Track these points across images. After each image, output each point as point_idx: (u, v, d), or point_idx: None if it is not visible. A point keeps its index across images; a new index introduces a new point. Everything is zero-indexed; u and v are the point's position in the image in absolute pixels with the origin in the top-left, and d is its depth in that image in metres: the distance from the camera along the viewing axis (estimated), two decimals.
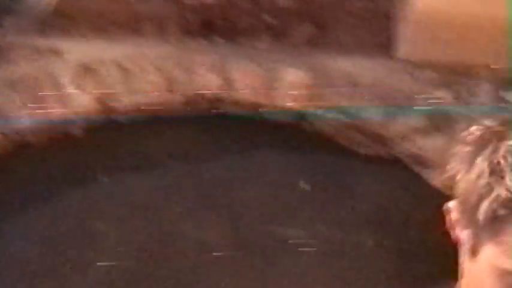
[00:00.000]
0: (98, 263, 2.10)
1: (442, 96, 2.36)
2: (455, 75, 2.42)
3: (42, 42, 2.41)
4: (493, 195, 0.96)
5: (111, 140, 2.39)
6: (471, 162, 0.98)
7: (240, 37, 2.50)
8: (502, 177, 0.95)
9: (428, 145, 2.33)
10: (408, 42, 2.31)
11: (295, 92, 2.34)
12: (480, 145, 0.98)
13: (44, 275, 2.13)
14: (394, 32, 2.39)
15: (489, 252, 1.01)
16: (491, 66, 2.44)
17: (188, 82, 2.43)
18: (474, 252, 1.03)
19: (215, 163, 2.31)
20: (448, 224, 1.05)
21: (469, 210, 0.99)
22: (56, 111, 2.36)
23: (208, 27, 2.51)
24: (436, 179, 2.29)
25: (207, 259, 2.06)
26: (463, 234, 1.02)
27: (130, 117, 2.41)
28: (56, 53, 2.42)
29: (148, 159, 2.39)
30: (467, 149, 0.98)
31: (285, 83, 2.35)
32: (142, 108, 2.41)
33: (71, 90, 2.37)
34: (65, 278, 2.12)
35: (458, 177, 0.99)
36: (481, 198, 0.97)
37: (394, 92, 2.36)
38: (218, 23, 2.51)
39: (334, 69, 2.37)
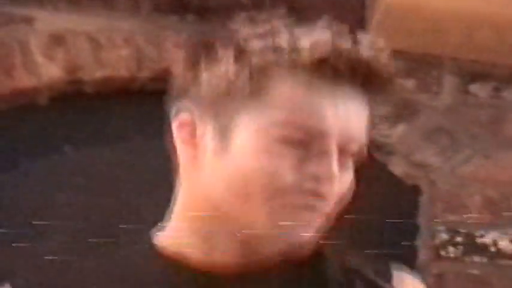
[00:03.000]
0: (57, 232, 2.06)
1: (408, 85, 2.31)
2: (422, 65, 2.37)
3: (15, 10, 2.28)
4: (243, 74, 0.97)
5: (78, 111, 2.31)
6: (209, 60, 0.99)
7: (212, 16, 2.40)
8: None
9: (392, 133, 2.27)
10: (378, 31, 2.22)
11: None
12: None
13: (3, 243, 2.06)
14: (367, 20, 2.33)
15: (252, 126, 0.97)
16: (458, 59, 2.41)
17: (157, 58, 2.35)
18: (226, 144, 0.99)
19: None
20: (181, 137, 1.01)
21: (217, 101, 0.98)
22: (24, 79, 2.26)
23: (181, 4, 2.42)
24: (398, 166, 2.26)
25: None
26: (205, 136, 0.99)
27: (97, 89, 2.31)
28: (28, 21, 2.30)
29: (113, 132, 2.31)
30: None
31: None
32: (110, 81, 2.32)
33: (40, 59, 2.28)
34: (24, 246, 2.05)
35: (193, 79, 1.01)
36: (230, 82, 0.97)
37: None
38: (191, 0, 2.43)
39: None
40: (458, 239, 2.22)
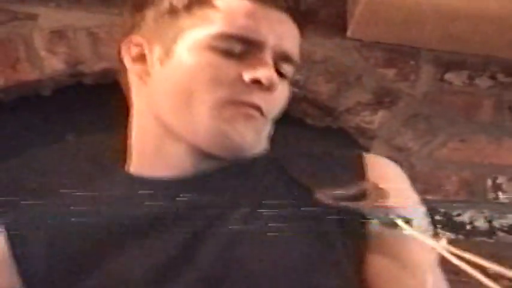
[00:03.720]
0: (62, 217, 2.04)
1: (388, 75, 2.32)
2: (401, 56, 2.38)
3: (20, 8, 2.30)
4: None
5: (78, 101, 2.31)
6: None
7: None
8: None
9: (373, 119, 2.27)
10: (358, 22, 2.24)
11: None
12: None
13: (8, 228, 2.05)
14: (348, 13, 2.33)
15: (193, 40, 1.02)
16: (434, 49, 2.42)
17: None
18: (170, 58, 1.04)
19: None
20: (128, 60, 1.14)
21: (161, 24, 1.06)
22: (27, 72, 2.28)
23: None
24: (380, 150, 2.26)
25: None
26: (152, 54, 1.07)
27: (97, 81, 2.32)
28: (32, 18, 2.32)
29: (111, 120, 2.26)
30: None
31: None
32: (109, 73, 2.31)
33: (43, 53, 2.29)
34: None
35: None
36: None
37: (344, 69, 2.29)
38: None
39: None
40: (437, 217, 2.23)
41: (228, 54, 1.01)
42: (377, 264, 1.01)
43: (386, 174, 1.09)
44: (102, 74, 2.31)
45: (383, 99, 2.28)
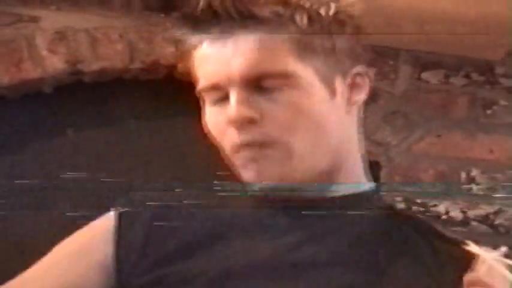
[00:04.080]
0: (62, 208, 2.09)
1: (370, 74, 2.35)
2: (381, 56, 2.41)
3: (23, 10, 2.33)
4: None
5: (78, 98, 2.35)
6: None
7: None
8: None
9: None
10: None
11: None
12: None
13: (11, 218, 2.11)
14: None
15: None
16: (411, 50, 2.45)
17: (148, 51, 2.38)
18: None
19: (166, 122, 2.30)
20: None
21: None
22: (30, 70, 2.30)
23: (168, 3, 2.41)
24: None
25: None
26: None
27: (95, 79, 2.35)
28: (34, 20, 2.34)
29: (109, 116, 2.36)
30: None
31: None
32: (107, 71, 2.36)
33: (44, 53, 2.31)
34: (33, 222, 2.12)
35: None
36: None
37: None
38: (176, 1, 2.44)
39: None
40: (414, 208, 2.27)
41: (217, 103, 0.99)
42: None
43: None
44: (100, 72, 2.34)
45: None
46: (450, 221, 2.30)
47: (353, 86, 1.08)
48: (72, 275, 1.01)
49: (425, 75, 2.48)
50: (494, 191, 2.34)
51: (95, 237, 1.03)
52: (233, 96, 0.95)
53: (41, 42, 2.31)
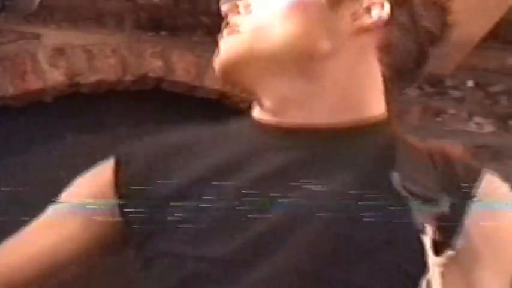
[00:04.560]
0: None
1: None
2: None
3: (26, 28, 2.40)
4: None
5: (76, 108, 2.39)
6: None
7: (180, 31, 2.52)
8: None
9: None
10: None
11: None
12: None
13: (11, 221, 2.01)
14: None
15: None
16: None
17: (138, 65, 2.45)
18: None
19: (155, 129, 2.27)
20: None
21: None
22: (33, 82, 2.35)
23: (156, 23, 2.51)
24: None
25: None
26: None
27: (91, 90, 2.42)
28: (36, 37, 2.42)
29: (103, 123, 2.39)
30: None
31: (213, 69, 2.45)
32: (102, 83, 2.43)
33: (46, 66, 2.37)
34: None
35: None
36: None
37: None
38: (164, 19, 2.52)
39: None
40: None
41: None
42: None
43: (495, 193, 0.89)
44: (96, 84, 2.42)
45: None
46: None
47: (367, 11, 0.95)
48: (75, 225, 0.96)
49: None
50: None
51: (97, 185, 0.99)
52: None
53: (42, 57, 2.38)
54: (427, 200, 0.83)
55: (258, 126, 0.94)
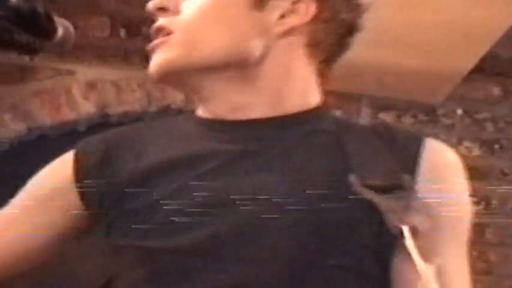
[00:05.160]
0: None
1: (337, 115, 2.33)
2: (346, 100, 2.57)
3: (61, 65, 2.49)
4: None
5: None
6: None
7: None
8: None
9: None
10: None
11: None
12: None
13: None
14: None
15: None
16: (371, 95, 2.63)
17: (161, 97, 2.53)
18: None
19: None
20: None
21: None
22: (67, 113, 2.45)
23: None
24: None
25: None
26: None
27: (119, 120, 2.51)
28: (71, 73, 2.51)
29: None
30: None
31: None
32: (129, 114, 2.53)
33: (79, 99, 2.48)
34: None
35: None
36: None
37: None
38: None
39: None
40: None
41: None
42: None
43: (440, 160, 0.90)
44: (123, 114, 2.51)
45: None
46: None
47: (293, 11, 0.95)
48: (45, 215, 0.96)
49: (381, 115, 2.66)
50: None
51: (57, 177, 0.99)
52: None
53: (76, 91, 2.48)
54: (389, 190, 0.83)
55: (204, 123, 0.94)
